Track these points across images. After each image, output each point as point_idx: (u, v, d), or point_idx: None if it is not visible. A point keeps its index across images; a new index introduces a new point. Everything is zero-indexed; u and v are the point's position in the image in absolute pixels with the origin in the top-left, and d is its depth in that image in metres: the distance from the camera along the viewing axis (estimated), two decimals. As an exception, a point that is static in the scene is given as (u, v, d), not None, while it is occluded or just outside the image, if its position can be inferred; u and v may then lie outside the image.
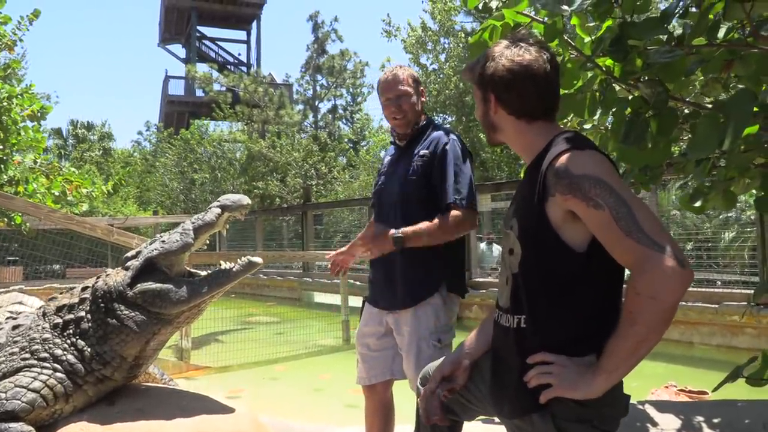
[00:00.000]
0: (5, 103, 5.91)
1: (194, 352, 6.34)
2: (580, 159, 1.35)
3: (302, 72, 23.15)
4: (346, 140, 23.91)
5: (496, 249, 10.13)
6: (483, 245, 10.34)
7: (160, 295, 1.88)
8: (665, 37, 1.78)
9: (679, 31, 1.84)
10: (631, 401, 1.46)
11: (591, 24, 2.01)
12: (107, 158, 25.90)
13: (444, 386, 1.62)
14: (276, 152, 18.90)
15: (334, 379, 5.80)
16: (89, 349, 1.89)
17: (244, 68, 27.22)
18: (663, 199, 8.82)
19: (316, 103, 23.22)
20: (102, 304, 1.91)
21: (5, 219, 6.20)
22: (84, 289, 2.00)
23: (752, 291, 6.55)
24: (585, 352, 1.35)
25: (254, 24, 28.43)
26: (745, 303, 6.17)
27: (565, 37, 1.98)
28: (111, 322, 1.89)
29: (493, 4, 2.05)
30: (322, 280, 12.10)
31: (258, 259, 1.99)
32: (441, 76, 15.48)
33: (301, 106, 22.98)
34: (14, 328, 2.02)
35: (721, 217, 9.10)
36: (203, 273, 2.02)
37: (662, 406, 2.63)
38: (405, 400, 2.44)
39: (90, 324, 1.91)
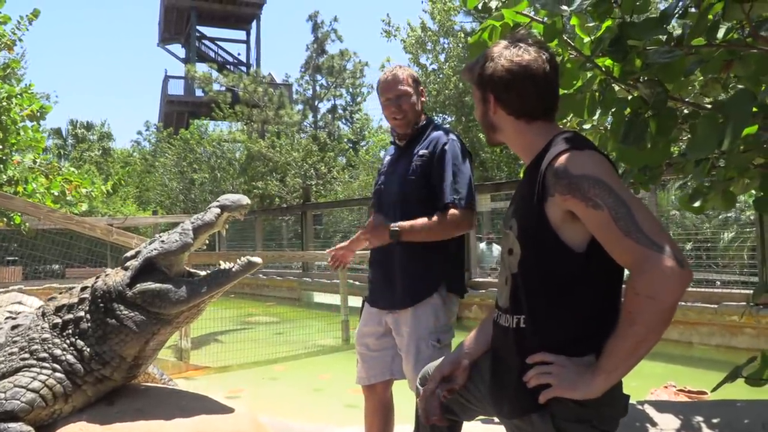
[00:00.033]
0: (5, 103, 5.91)
1: (194, 352, 6.33)
2: (579, 159, 1.35)
3: (302, 72, 23.18)
4: (345, 140, 23.91)
5: (496, 249, 10.13)
6: (483, 245, 10.34)
7: (160, 295, 1.88)
8: (664, 37, 1.78)
9: (678, 31, 1.84)
10: (631, 401, 1.46)
11: (590, 24, 2.01)
12: (107, 158, 25.90)
13: (443, 386, 1.62)
14: (275, 152, 18.90)
15: (334, 379, 5.80)
16: (88, 349, 1.89)
17: (243, 68, 27.21)
18: (662, 200, 8.83)
19: (316, 103, 23.23)
20: (101, 304, 1.91)
21: (5, 219, 6.19)
22: (83, 289, 2.00)
23: (751, 291, 6.56)
24: (584, 352, 1.35)
25: (254, 24, 28.43)
26: (745, 303, 6.18)
27: (565, 38, 1.98)
28: (110, 322, 1.89)
29: (493, 4, 2.05)
30: (321, 280, 12.10)
31: (257, 259, 1.99)
32: (440, 76, 15.49)
33: (300, 106, 22.99)
34: (13, 328, 2.02)
35: (720, 217, 9.11)
36: (203, 273, 2.02)
37: (661, 406, 2.64)
38: (404, 400, 2.44)
39: (89, 324, 1.91)
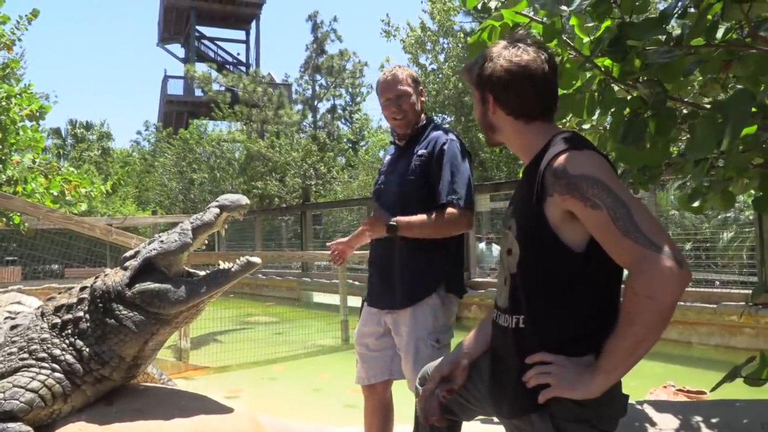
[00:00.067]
0: (4, 103, 5.90)
1: (193, 352, 6.33)
2: (578, 159, 1.36)
3: (301, 72, 23.15)
4: (345, 140, 23.90)
5: (496, 249, 10.14)
6: (482, 245, 10.35)
7: (159, 295, 1.88)
8: (664, 37, 1.78)
9: (677, 31, 1.84)
10: (630, 401, 1.46)
11: (590, 24, 2.02)
12: (106, 158, 25.89)
13: (443, 386, 1.62)
14: (275, 152, 18.89)
15: (333, 379, 5.80)
16: (87, 349, 1.89)
17: (243, 68, 27.21)
18: (662, 199, 8.83)
19: (315, 103, 23.22)
20: (100, 304, 1.91)
21: (4, 219, 6.18)
22: (82, 289, 2.00)
23: (750, 291, 6.57)
24: (583, 352, 1.35)
25: (253, 24, 28.43)
26: (744, 303, 6.18)
27: (564, 38, 1.99)
28: (109, 322, 1.89)
29: (492, 5, 2.05)
30: (321, 280, 12.10)
31: (257, 259, 1.99)
32: (440, 76, 15.48)
33: (300, 106, 22.98)
34: (13, 328, 2.02)
35: (719, 217, 9.12)
36: (202, 273, 2.02)
37: (661, 406, 2.64)
38: (404, 400, 2.44)
39: (88, 324, 1.91)
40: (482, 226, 10.88)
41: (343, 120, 24.52)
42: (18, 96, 6.15)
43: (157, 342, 1.98)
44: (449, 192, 2.30)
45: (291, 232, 16.25)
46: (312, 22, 22.74)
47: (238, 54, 28.95)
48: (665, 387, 4.04)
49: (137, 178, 24.19)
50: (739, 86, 2.02)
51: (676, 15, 1.79)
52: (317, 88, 23.08)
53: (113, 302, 1.90)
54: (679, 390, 3.98)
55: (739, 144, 1.86)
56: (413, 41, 15.79)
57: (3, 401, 1.77)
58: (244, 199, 2.01)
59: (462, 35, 14.87)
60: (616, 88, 2.01)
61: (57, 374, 1.86)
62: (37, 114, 6.31)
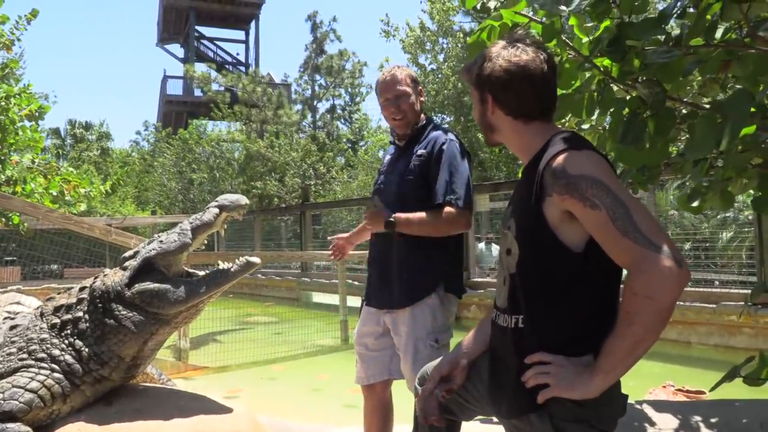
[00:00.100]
0: (3, 103, 5.90)
1: (192, 352, 6.33)
2: (577, 159, 1.36)
3: (301, 72, 23.12)
4: (344, 140, 23.88)
5: (495, 249, 10.14)
6: (482, 245, 10.35)
7: (158, 295, 1.88)
8: (663, 37, 1.78)
9: (676, 31, 1.84)
10: (629, 401, 1.46)
11: (589, 24, 2.02)
12: (105, 158, 25.88)
13: (442, 386, 1.62)
14: (274, 152, 18.88)
15: (333, 379, 5.80)
16: (87, 350, 1.89)
17: (242, 68, 27.18)
18: (661, 199, 8.84)
19: (315, 103, 23.19)
20: (100, 305, 1.91)
21: (3, 219, 6.18)
22: (82, 289, 2.00)
23: (750, 291, 6.57)
24: (583, 352, 1.35)
25: (253, 24, 28.42)
26: (743, 303, 6.18)
27: (563, 38, 1.99)
28: (109, 322, 1.88)
29: (491, 5, 2.05)
30: (320, 280, 12.10)
31: (256, 259, 1.99)
32: (439, 76, 15.48)
33: (299, 106, 22.95)
34: (12, 328, 2.02)
35: (718, 217, 9.13)
36: (201, 273, 2.02)
37: (660, 406, 2.64)
38: (403, 400, 2.44)
39: (88, 324, 1.91)
40: (481, 226, 10.89)
41: (342, 120, 24.51)
42: (17, 96, 6.15)
43: (156, 342, 1.98)
44: (448, 192, 2.30)
45: (290, 232, 16.25)
46: (311, 22, 22.72)
47: (238, 54, 28.98)
48: (664, 387, 4.04)
49: (136, 178, 24.18)
50: (738, 86, 2.02)
51: (675, 15, 1.79)
52: (316, 88, 23.06)
53: (112, 302, 1.90)
54: (679, 390, 3.99)
55: (738, 144, 1.86)
56: (412, 41, 15.78)
57: (2, 401, 1.77)
58: (244, 199, 2.01)
59: (461, 35, 14.87)
60: (615, 88, 2.01)
61: (56, 374, 1.86)
62: (37, 114, 6.31)
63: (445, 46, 15.77)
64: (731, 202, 2.27)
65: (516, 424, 1.43)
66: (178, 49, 29.03)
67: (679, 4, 1.78)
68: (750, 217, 7.77)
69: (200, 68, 24.01)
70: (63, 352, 1.89)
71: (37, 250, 11.61)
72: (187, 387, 2.91)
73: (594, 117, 2.24)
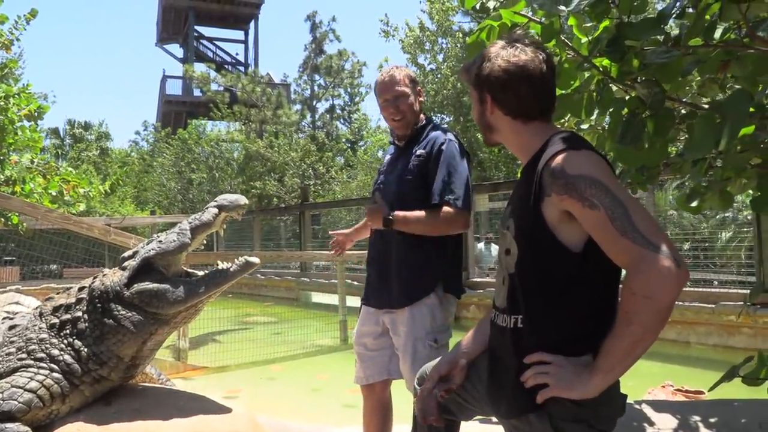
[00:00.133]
0: (2, 103, 5.89)
1: (191, 352, 6.33)
2: (576, 159, 1.36)
3: (300, 72, 23.13)
4: (343, 140, 23.89)
5: (495, 249, 10.14)
6: (481, 245, 10.36)
7: (157, 295, 1.88)
8: (662, 37, 1.78)
9: (675, 31, 1.84)
10: (628, 401, 1.46)
11: (588, 24, 2.02)
12: (104, 158, 25.86)
13: (441, 386, 1.62)
14: (273, 152, 18.88)
15: (332, 379, 5.80)
16: (86, 350, 1.88)
17: (241, 68, 27.19)
18: (660, 199, 8.85)
19: (314, 103, 23.21)
20: (99, 304, 1.91)
21: (2, 219, 6.17)
22: (81, 289, 2.00)
23: (749, 291, 6.58)
24: (582, 351, 1.35)
25: (252, 24, 28.43)
26: (742, 303, 6.19)
27: (562, 38, 1.99)
28: (108, 322, 1.88)
29: (491, 5, 2.05)
30: (319, 280, 12.10)
31: (255, 259, 1.99)
32: (439, 76, 15.49)
33: (298, 106, 22.96)
34: (11, 328, 2.01)
35: (718, 217, 9.14)
36: (200, 273, 2.02)
37: (659, 406, 2.64)
38: (403, 400, 2.45)
39: (87, 324, 1.91)
40: (481, 226, 10.89)
41: (341, 120, 24.52)
42: (16, 96, 6.14)
43: (155, 342, 1.98)
44: (446, 192, 2.30)
45: (290, 232, 16.25)
46: (311, 22, 22.73)
47: (237, 54, 28.97)
48: (663, 387, 4.04)
49: (136, 178, 24.17)
50: (737, 86, 2.02)
51: (674, 15, 1.79)
52: (316, 88, 23.08)
53: (112, 302, 1.90)
54: (678, 390, 3.99)
55: (737, 144, 1.86)
56: (412, 41, 15.78)
57: (1, 401, 1.77)
58: (243, 199, 2.01)
59: (460, 35, 14.87)
60: (614, 88, 2.01)
61: (55, 374, 1.85)
62: (36, 114, 6.31)
63: (444, 46, 15.78)
64: (730, 202, 2.27)
65: (515, 424, 1.43)
66: (177, 49, 29.06)
67: (678, 4, 1.78)
68: (749, 217, 7.77)
69: (199, 68, 24.05)
70: (62, 352, 1.89)
71: (36, 250, 11.59)
72: (186, 387, 2.91)
73: (593, 117, 2.24)
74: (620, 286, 1.38)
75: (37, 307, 2.08)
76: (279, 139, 19.76)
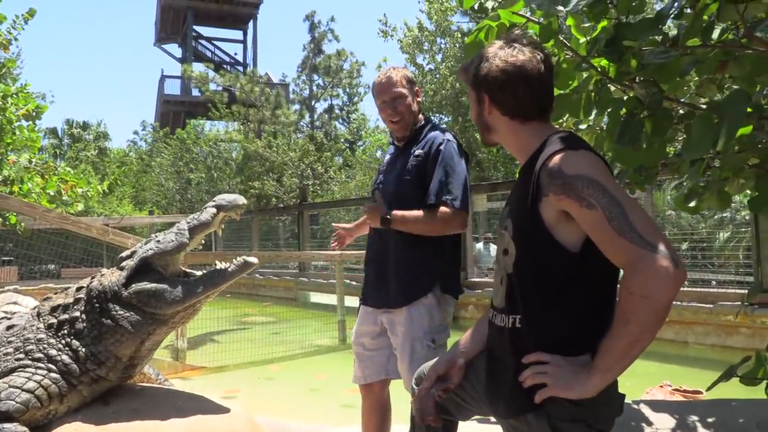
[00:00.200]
0: (0, 103, 5.88)
1: (190, 352, 6.32)
2: (573, 159, 1.36)
3: (299, 72, 23.09)
4: (342, 140, 23.88)
5: (493, 249, 10.15)
6: (480, 245, 10.37)
7: (155, 295, 1.88)
8: (660, 37, 1.79)
9: (673, 32, 1.85)
10: (626, 400, 1.46)
11: (586, 25, 2.02)
12: (103, 158, 25.82)
13: (439, 386, 1.62)
14: (272, 152, 18.87)
15: (331, 379, 5.80)
16: (84, 350, 1.88)
17: (240, 68, 27.17)
18: (658, 200, 8.86)
19: (313, 102, 23.18)
20: (97, 304, 1.91)
21: (0, 219, 6.17)
22: (79, 289, 2.00)
23: (747, 291, 6.60)
24: (580, 351, 1.36)
25: (251, 23, 28.41)
26: (740, 303, 6.20)
27: (561, 38, 1.99)
28: (106, 322, 1.88)
29: (489, 5, 2.06)
30: (318, 280, 12.10)
31: (253, 259, 1.99)
32: (437, 76, 15.49)
33: (297, 106, 22.93)
34: (8, 328, 2.01)
35: (716, 217, 9.15)
36: (199, 273, 2.01)
37: (657, 406, 2.64)
38: (401, 400, 2.45)
39: (85, 324, 1.91)
40: (479, 226, 10.90)
41: (340, 120, 24.50)
42: (14, 96, 6.14)
43: (153, 342, 1.98)
44: (444, 192, 2.30)
45: (288, 232, 16.25)
46: (309, 22, 22.69)
47: (236, 54, 28.95)
48: (662, 386, 4.05)
49: (134, 178, 24.16)
50: (735, 87, 2.02)
51: (672, 15, 1.79)
52: (314, 88, 23.04)
53: (110, 302, 1.90)
54: (676, 389, 3.99)
55: (734, 144, 1.86)
56: (410, 41, 15.79)
57: (-1, 402, 1.77)
58: (241, 199, 2.00)
59: (459, 35, 14.88)
60: (612, 88, 2.01)
61: (53, 374, 1.85)
62: (34, 114, 6.30)
63: (442, 46, 15.79)
64: (728, 203, 2.27)
65: (513, 423, 1.44)
66: (175, 49, 29.03)
67: (676, 4, 1.78)
68: (747, 218, 7.79)
69: (198, 68, 24.00)
70: (60, 352, 1.88)
71: (34, 250, 11.57)
72: (185, 387, 2.90)
73: (591, 117, 2.24)
74: (618, 285, 1.39)
75: (34, 307, 2.08)
76: (277, 139, 19.75)
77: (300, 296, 12.72)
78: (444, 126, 2.68)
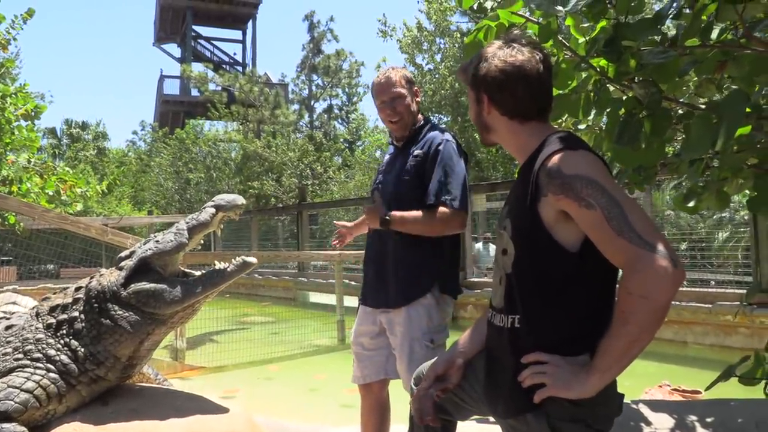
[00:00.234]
0: (-1, 103, 5.89)
1: (189, 352, 6.32)
2: (572, 159, 1.36)
3: (298, 72, 23.08)
4: (341, 140, 23.88)
5: (492, 249, 10.15)
6: (479, 245, 10.37)
7: (154, 295, 1.88)
8: (659, 37, 1.79)
9: (672, 32, 1.85)
10: (625, 400, 1.46)
11: (585, 25, 2.02)
12: (102, 158, 25.80)
13: (437, 385, 1.62)
14: (271, 152, 18.86)
15: (330, 379, 5.80)
16: (83, 350, 1.88)
17: (239, 68, 27.15)
18: (657, 200, 8.87)
19: (312, 102, 23.17)
20: (96, 304, 1.91)
21: (-1, 219, 6.17)
22: (77, 289, 2.00)
23: (745, 291, 6.61)
24: (579, 351, 1.36)
25: (250, 23, 28.39)
26: (739, 303, 6.21)
27: (560, 38, 1.99)
28: (105, 322, 1.88)
29: (488, 5, 2.06)
30: (317, 280, 12.10)
31: (252, 259, 1.99)
32: (437, 76, 15.49)
33: (296, 106, 22.92)
34: (7, 328, 2.01)
35: (714, 217, 9.16)
36: (197, 273, 2.01)
37: (656, 406, 2.64)
38: (400, 400, 2.45)
39: (83, 324, 1.91)
40: (478, 226, 10.91)
41: (339, 120, 24.50)
42: (13, 95, 6.14)
43: (152, 342, 1.97)
44: (443, 192, 2.30)
45: (287, 232, 16.24)
46: (308, 21, 22.68)
47: (235, 54, 28.94)
48: (660, 386, 4.05)
49: (133, 178, 24.15)
50: (733, 87, 2.02)
51: (671, 16, 1.79)
52: (314, 88, 23.03)
53: (108, 302, 1.89)
54: (675, 389, 3.99)
55: (733, 144, 1.86)
56: (410, 41, 15.79)
57: (-2, 402, 1.77)
58: (240, 199, 2.00)
59: (458, 35, 14.88)
60: (611, 88, 2.02)
61: (52, 374, 1.85)
62: (33, 113, 6.30)
63: (442, 46, 15.79)
64: (727, 203, 2.28)
65: (512, 423, 1.44)
66: (175, 49, 29.01)
67: (675, 4, 1.79)
68: (746, 218, 7.80)
69: (197, 68, 23.99)
70: (59, 352, 1.88)
71: (33, 250, 11.56)
72: (184, 387, 2.90)
73: (590, 117, 2.24)
74: (617, 285, 1.39)
75: (33, 307, 2.08)
76: (277, 139, 19.74)
77: (299, 296, 12.72)
78: (443, 126, 2.68)
